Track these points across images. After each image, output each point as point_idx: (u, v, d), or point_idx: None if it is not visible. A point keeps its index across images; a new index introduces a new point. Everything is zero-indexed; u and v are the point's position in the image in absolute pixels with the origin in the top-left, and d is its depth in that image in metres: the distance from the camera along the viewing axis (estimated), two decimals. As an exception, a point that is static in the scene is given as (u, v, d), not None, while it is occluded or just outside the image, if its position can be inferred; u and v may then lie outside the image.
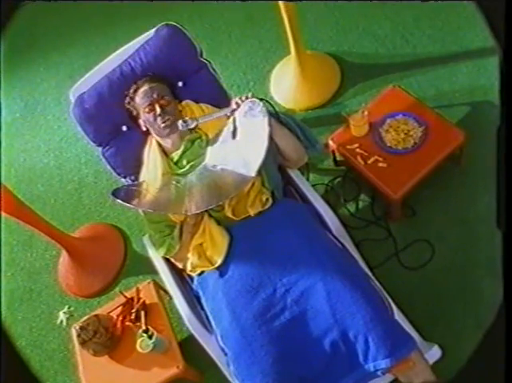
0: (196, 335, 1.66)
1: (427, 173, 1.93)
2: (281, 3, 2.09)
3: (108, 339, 1.76)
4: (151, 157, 1.77)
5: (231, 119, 1.65)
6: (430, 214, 2.08)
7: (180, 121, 1.61)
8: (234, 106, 1.61)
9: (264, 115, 1.56)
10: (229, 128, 1.66)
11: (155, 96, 1.70)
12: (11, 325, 2.34)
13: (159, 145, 1.77)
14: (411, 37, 2.54)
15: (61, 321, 2.28)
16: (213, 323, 1.60)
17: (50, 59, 3.24)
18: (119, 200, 1.65)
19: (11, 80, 3.20)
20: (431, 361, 1.49)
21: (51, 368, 2.20)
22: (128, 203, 1.65)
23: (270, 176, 1.74)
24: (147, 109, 1.71)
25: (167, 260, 1.80)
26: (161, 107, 1.70)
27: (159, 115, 1.69)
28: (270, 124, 1.56)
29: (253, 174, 1.53)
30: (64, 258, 2.41)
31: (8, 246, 2.57)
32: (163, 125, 1.70)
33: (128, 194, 1.72)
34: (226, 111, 1.64)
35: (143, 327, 1.76)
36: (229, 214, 1.68)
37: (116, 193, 1.68)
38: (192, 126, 1.63)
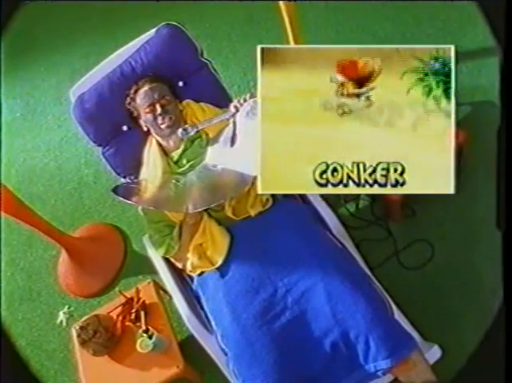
0: (196, 335, 1.66)
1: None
2: (281, 3, 2.09)
3: (107, 339, 1.76)
4: (151, 156, 1.77)
5: (231, 120, 1.64)
6: (430, 214, 2.08)
7: (180, 129, 1.61)
8: (232, 110, 1.60)
9: None
10: (230, 128, 1.65)
11: (155, 96, 1.70)
12: (11, 325, 2.33)
13: (159, 145, 1.77)
14: (411, 37, 2.54)
15: (61, 321, 2.27)
16: (213, 323, 1.60)
17: (50, 59, 3.23)
18: (119, 197, 1.66)
19: (11, 80, 3.19)
20: (431, 361, 1.49)
21: (51, 368, 2.19)
22: (128, 199, 1.66)
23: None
24: (147, 109, 1.71)
25: (167, 260, 1.80)
26: (162, 107, 1.70)
27: (160, 114, 1.69)
28: None
29: (254, 174, 1.52)
30: (64, 258, 2.41)
31: (8, 246, 2.57)
32: (163, 125, 1.70)
33: (128, 191, 1.73)
34: (225, 115, 1.63)
35: (143, 327, 1.76)
36: (229, 214, 1.68)
37: (116, 190, 1.70)
38: (192, 133, 1.63)
